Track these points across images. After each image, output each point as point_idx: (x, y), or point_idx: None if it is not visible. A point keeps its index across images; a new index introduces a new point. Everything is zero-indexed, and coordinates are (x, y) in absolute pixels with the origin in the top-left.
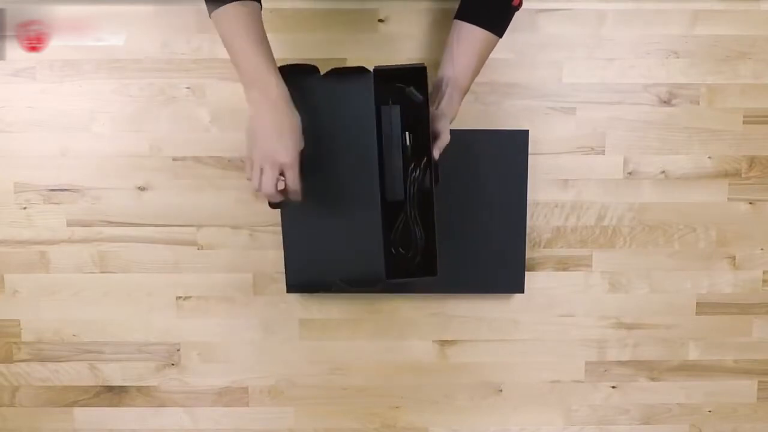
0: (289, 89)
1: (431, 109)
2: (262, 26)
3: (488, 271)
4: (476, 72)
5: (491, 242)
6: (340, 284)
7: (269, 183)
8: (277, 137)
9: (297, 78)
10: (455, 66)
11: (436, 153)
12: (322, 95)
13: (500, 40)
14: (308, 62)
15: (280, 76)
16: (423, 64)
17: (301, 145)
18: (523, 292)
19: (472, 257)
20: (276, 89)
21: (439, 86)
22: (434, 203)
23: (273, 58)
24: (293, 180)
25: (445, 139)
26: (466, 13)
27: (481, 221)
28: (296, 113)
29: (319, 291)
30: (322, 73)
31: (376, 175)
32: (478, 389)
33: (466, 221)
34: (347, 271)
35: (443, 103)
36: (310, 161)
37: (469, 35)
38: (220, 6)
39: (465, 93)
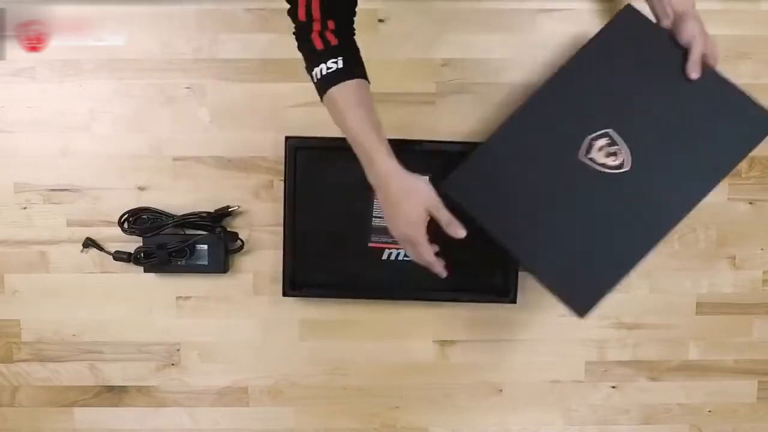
0: None
1: (664, 23)
2: (369, 102)
3: (483, 277)
4: None
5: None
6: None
7: (415, 256)
8: (394, 217)
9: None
10: None
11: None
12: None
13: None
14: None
15: (384, 151)
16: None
17: (433, 209)
18: (515, 302)
19: (467, 264)
20: (381, 166)
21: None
22: None
23: (377, 134)
24: (418, 255)
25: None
26: None
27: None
28: (412, 182)
29: (316, 296)
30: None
31: None
32: (478, 389)
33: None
34: None
35: (675, 3)
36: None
37: None
38: (329, 88)
39: None
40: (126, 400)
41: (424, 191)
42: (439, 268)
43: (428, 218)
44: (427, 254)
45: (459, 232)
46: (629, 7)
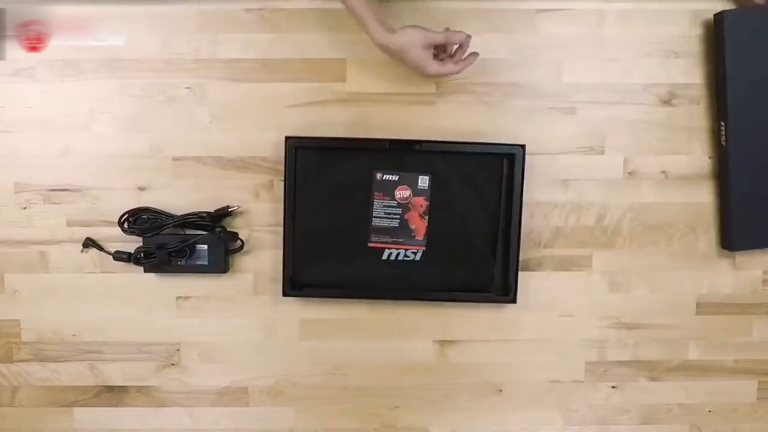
0: None
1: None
2: None
3: (483, 277)
4: None
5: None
6: None
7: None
8: (413, 68)
9: None
10: None
11: None
12: None
13: (501, 39)
14: (308, 62)
15: (373, 24)
16: None
17: (423, 43)
18: (515, 302)
19: (467, 264)
20: (374, 36)
21: None
22: None
23: (366, 6)
24: (449, 74)
25: None
26: None
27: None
28: (400, 37)
29: (316, 296)
30: None
31: None
32: (478, 389)
33: (456, 236)
34: None
35: None
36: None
37: None
38: None
39: None
40: (126, 400)
41: (410, 35)
42: (467, 61)
43: (432, 48)
44: (450, 69)
45: (459, 35)
46: (721, 13)
